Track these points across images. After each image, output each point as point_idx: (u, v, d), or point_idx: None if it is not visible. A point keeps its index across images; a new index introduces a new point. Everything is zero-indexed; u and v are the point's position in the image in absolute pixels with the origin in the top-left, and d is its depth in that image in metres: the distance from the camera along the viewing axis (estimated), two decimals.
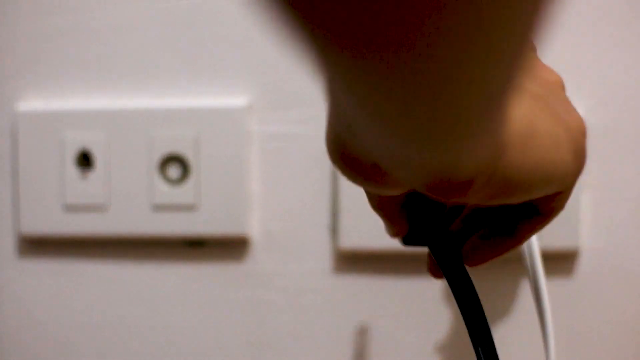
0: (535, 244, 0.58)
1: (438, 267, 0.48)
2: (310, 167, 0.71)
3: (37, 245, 0.74)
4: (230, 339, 0.73)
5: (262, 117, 0.72)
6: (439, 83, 0.28)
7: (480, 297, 0.71)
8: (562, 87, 0.45)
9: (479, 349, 0.46)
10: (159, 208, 0.71)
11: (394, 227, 0.49)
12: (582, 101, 0.69)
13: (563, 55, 0.69)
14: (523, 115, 0.39)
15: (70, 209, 0.72)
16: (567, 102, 0.45)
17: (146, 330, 0.73)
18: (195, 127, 0.71)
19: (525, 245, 0.58)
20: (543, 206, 0.46)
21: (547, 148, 0.40)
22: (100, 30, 0.73)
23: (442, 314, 0.70)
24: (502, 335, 0.70)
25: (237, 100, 0.71)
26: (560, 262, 0.69)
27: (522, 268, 0.61)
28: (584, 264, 0.69)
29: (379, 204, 0.48)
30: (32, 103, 0.73)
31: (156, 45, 0.72)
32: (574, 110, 0.44)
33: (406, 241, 0.49)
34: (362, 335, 0.71)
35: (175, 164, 0.72)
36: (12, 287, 0.75)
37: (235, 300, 0.72)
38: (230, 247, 0.72)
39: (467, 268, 0.48)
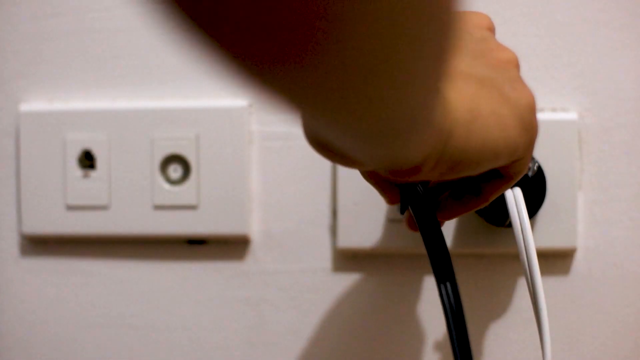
0: (532, 243, 0.59)
1: (415, 221, 0.53)
2: (310, 167, 0.71)
3: (39, 245, 0.75)
4: (230, 338, 0.73)
5: (262, 117, 0.72)
6: (351, 91, 0.30)
7: (478, 295, 0.72)
8: (515, 64, 0.48)
9: (442, 286, 0.50)
10: (160, 207, 0.72)
11: (386, 195, 0.53)
12: (578, 102, 0.69)
13: (560, 56, 0.69)
14: (466, 101, 0.42)
15: (72, 208, 0.73)
16: (516, 80, 0.47)
17: (147, 329, 0.74)
18: (195, 127, 0.72)
19: (522, 244, 0.59)
20: (503, 172, 0.50)
21: (491, 129, 0.43)
22: (102, 31, 0.74)
23: (441, 313, 0.71)
24: (499, 333, 0.70)
25: (237, 100, 0.72)
26: (557, 260, 0.69)
27: (519, 266, 0.61)
28: (580, 263, 0.70)
29: (369, 174, 0.53)
30: (34, 104, 0.74)
31: (157, 45, 0.73)
32: (522, 87, 0.47)
33: (402, 209, 0.53)
34: (361, 335, 0.72)
35: (176, 164, 0.72)
36: (14, 286, 0.75)
37: (236, 299, 0.73)
38: (230, 246, 0.73)
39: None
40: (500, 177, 0.50)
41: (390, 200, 0.53)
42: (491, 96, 0.44)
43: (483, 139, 0.43)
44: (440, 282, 0.51)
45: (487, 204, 0.53)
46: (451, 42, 0.32)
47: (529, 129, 0.46)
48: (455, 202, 0.53)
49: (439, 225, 0.52)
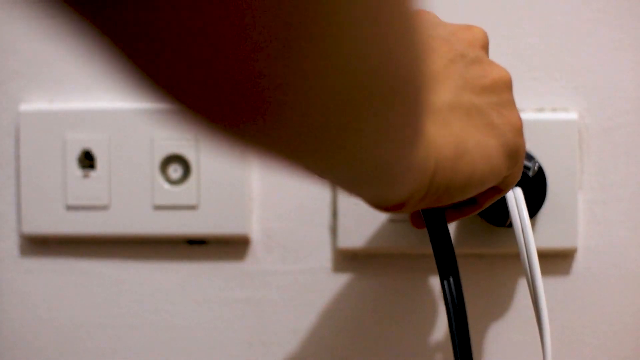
0: (533, 243, 0.59)
1: (419, 219, 0.55)
2: None
3: (39, 245, 0.75)
4: (230, 338, 0.73)
5: None
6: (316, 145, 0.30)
7: (478, 295, 0.72)
8: (507, 85, 0.47)
9: (445, 282, 0.51)
10: (160, 207, 0.72)
11: None
12: (578, 102, 0.69)
13: (560, 56, 0.69)
14: (452, 136, 0.42)
15: (72, 208, 0.73)
16: (504, 105, 0.47)
17: (147, 329, 0.74)
18: None
19: (522, 244, 0.59)
20: (495, 185, 0.50)
21: (478, 162, 0.44)
22: None
23: (441, 313, 0.71)
24: (499, 333, 0.70)
25: None
26: (557, 260, 0.70)
27: (519, 266, 0.62)
28: (580, 263, 0.70)
29: None
30: (34, 103, 0.74)
31: None
32: (510, 111, 0.47)
33: None
34: (361, 335, 0.72)
35: (176, 164, 0.72)
36: (14, 286, 0.75)
37: (236, 299, 0.73)
38: (230, 246, 0.73)
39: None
40: (492, 188, 0.50)
41: None
42: (477, 126, 0.44)
43: (469, 172, 0.43)
44: (443, 278, 0.51)
45: (481, 209, 0.54)
46: (426, 81, 0.31)
47: (514, 155, 0.46)
48: (451, 209, 0.54)
49: (445, 222, 0.53)
